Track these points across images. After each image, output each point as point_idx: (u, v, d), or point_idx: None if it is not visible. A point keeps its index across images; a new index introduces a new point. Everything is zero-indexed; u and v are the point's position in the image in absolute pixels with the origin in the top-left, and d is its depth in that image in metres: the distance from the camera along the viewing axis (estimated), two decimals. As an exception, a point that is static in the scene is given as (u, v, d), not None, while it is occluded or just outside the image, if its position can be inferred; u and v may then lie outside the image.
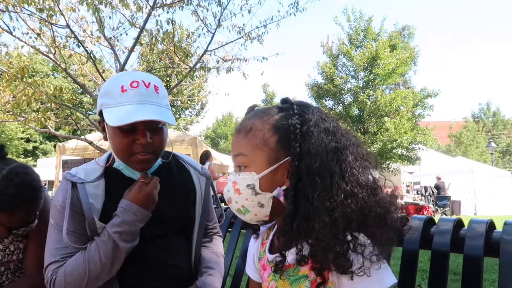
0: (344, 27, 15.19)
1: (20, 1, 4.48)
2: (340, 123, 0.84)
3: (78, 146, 7.80)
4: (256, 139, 0.80)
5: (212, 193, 1.31)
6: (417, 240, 1.03)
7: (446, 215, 12.33)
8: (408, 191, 14.54)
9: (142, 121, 0.97)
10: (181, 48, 6.08)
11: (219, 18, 5.46)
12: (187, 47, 6.72)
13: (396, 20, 29.73)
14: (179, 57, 6.12)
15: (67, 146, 8.07)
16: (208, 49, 5.75)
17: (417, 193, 14.10)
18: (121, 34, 6.12)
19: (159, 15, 5.53)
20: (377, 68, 13.85)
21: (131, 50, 5.52)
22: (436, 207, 12.61)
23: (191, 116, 19.92)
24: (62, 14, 4.89)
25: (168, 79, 12.19)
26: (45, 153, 23.83)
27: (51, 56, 5.41)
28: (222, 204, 1.56)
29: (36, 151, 23.85)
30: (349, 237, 0.71)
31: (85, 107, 16.57)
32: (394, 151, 13.59)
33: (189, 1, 5.25)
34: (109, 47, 5.87)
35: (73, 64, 7.05)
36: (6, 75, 4.97)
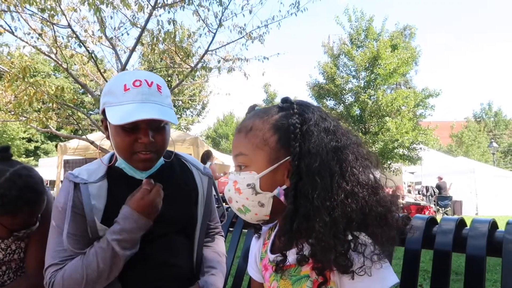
0: (345, 27, 15.20)
1: (22, 1, 4.49)
2: (341, 123, 0.84)
3: (80, 146, 7.82)
4: (256, 139, 0.80)
5: (214, 192, 1.31)
6: (419, 239, 1.02)
7: (447, 215, 12.29)
8: (409, 191, 14.53)
9: (144, 120, 0.97)
10: (182, 48, 6.08)
11: (220, 18, 5.46)
12: (188, 47, 6.72)
13: (398, 20, 29.76)
14: (180, 57, 6.13)
15: (68, 146, 8.09)
16: (209, 49, 5.76)
17: (419, 193, 14.06)
18: (122, 34, 6.12)
19: (160, 15, 5.53)
20: (378, 68, 13.84)
21: (133, 50, 5.53)
22: (438, 207, 12.58)
23: (192, 116, 19.94)
24: (64, 14, 4.90)
25: (169, 79, 12.19)
26: (46, 153, 23.87)
27: (52, 56, 5.42)
28: (224, 204, 1.56)
29: (38, 151, 23.90)
30: (349, 237, 0.70)
31: (87, 107, 16.62)
32: (395, 151, 13.58)
33: (190, 1, 5.25)
34: (111, 47, 5.88)
35: (75, 64, 7.05)
36: (8, 75, 4.98)
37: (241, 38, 5.99)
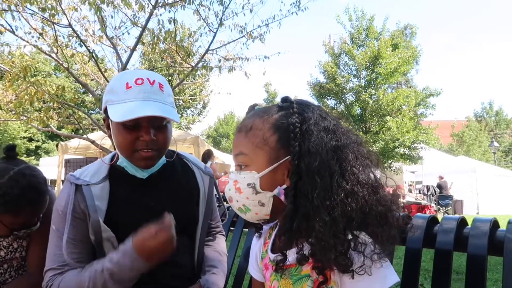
0: (346, 26, 15.18)
1: (23, 1, 4.49)
2: (341, 122, 0.84)
3: (80, 145, 7.82)
4: (256, 138, 0.80)
5: (215, 192, 1.31)
6: (420, 238, 1.02)
7: (448, 214, 12.28)
8: (410, 190, 14.50)
9: (146, 118, 0.98)
10: (183, 47, 6.07)
11: (221, 17, 5.45)
12: (189, 46, 6.72)
13: (398, 19, 29.72)
14: (181, 56, 6.12)
15: (69, 145, 8.09)
16: (210, 48, 5.75)
17: (419, 193, 14.05)
18: (123, 34, 6.13)
19: (161, 14, 5.51)
20: (379, 67, 13.82)
21: (133, 49, 5.53)
22: (438, 206, 12.57)
23: (193, 115, 19.95)
24: (64, 14, 4.90)
25: (170, 78, 12.18)
26: (47, 152, 23.89)
27: (53, 55, 5.42)
28: (225, 203, 1.56)
29: (39, 150, 23.92)
30: (349, 236, 0.70)
31: (87, 106, 16.63)
32: (396, 150, 13.57)
33: (191, 0, 5.24)
34: (111, 46, 5.88)
35: (75, 64, 7.05)
36: (9, 75, 4.99)
37: (241, 37, 5.98)
